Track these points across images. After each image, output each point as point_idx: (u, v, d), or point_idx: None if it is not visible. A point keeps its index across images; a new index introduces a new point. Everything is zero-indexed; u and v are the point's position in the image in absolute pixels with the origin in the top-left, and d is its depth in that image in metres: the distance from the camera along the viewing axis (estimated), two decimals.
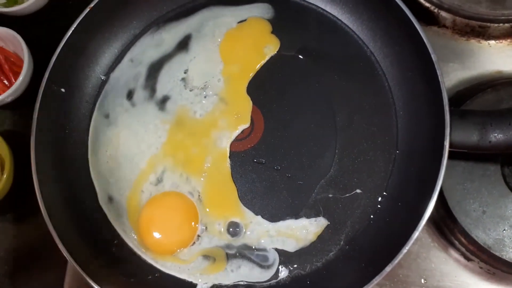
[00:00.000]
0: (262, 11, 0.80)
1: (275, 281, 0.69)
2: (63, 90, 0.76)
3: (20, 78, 0.79)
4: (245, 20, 0.80)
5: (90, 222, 0.72)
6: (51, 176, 0.71)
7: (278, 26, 0.79)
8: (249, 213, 0.71)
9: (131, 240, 0.72)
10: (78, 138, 0.77)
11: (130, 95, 0.78)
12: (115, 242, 0.72)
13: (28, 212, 0.80)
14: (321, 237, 0.69)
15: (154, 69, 0.79)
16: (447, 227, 0.71)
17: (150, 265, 0.70)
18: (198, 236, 0.70)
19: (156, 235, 0.70)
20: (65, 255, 0.64)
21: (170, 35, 0.81)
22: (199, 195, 0.72)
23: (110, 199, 0.74)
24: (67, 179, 0.74)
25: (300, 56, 0.78)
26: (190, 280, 0.69)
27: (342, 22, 0.79)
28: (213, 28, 0.80)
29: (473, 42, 0.81)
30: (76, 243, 0.67)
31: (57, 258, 0.76)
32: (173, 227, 0.71)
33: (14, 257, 0.78)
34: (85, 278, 0.63)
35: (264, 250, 0.69)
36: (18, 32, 0.82)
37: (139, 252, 0.71)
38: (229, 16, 0.81)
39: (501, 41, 0.80)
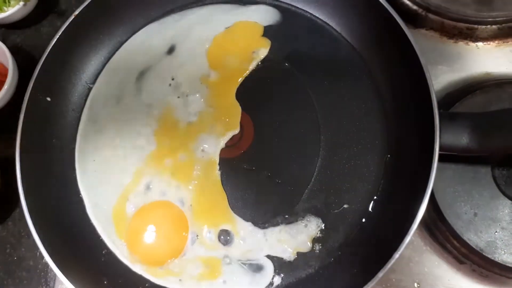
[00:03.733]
0: (265, 16, 0.80)
1: None
2: (48, 99, 0.75)
3: (5, 87, 0.78)
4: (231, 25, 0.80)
5: (78, 232, 0.71)
6: (37, 186, 0.70)
7: (266, 31, 0.79)
8: (239, 220, 0.70)
9: (120, 250, 0.71)
10: (65, 146, 0.76)
11: (117, 102, 0.78)
12: (103, 252, 0.71)
13: (15, 222, 0.79)
14: (313, 243, 0.68)
15: (142, 76, 0.78)
16: (439, 230, 0.71)
17: (140, 275, 0.69)
18: (188, 245, 0.69)
19: (146, 246, 0.69)
20: (52, 266, 0.63)
21: (157, 41, 0.80)
22: (188, 203, 0.71)
23: (98, 208, 0.73)
24: (54, 189, 0.73)
25: (289, 61, 0.77)
26: None
27: (330, 26, 0.79)
28: (201, 33, 0.79)
29: (461, 44, 0.81)
30: (63, 253, 0.66)
31: (45, 269, 0.76)
32: (163, 237, 0.70)
33: (1, 268, 0.77)
34: None
35: (257, 258, 0.68)
36: (2, 41, 0.81)
37: (128, 263, 0.70)
38: (217, 20, 0.80)
39: (488, 43, 0.80)
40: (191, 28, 0.80)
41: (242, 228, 0.69)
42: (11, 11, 0.83)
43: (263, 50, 0.78)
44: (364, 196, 0.70)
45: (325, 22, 0.79)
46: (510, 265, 0.66)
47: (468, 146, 0.62)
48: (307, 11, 0.80)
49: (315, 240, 0.69)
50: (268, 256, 0.68)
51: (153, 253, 0.70)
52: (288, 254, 0.68)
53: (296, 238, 0.69)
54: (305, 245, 0.68)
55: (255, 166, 0.72)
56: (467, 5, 0.78)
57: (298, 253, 0.68)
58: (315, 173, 0.71)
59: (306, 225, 0.69)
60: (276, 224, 0.70)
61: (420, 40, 0.73)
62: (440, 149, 0.62)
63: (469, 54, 0.80)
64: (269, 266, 0.68)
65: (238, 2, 0.82)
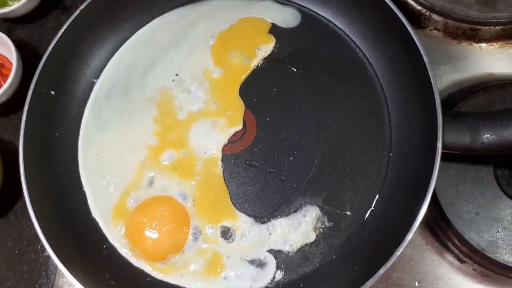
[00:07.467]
0: (271, 13, 0.80)
1: (270, 285, 0.68)
2: (52, 92, 0.75)
3: (9, 80, 0.78)
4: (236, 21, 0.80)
5: (80, 226, 0.71)
6: (40, 179, 0.70)
7: (271, 29, 0.79)
8: (242, 216, 0.70)
9: (121, 245, 0.71)
10: (68, 141, 0.76)
11: (120, 97, 0.78)
12: (104, 246, 0.70)
13: (16, 216, 0.79)
14: (314, 240, 0.68)
15: (145, 71, 0.78)
16: (440, 229, 0.71)
17: (141, 270, 0.69)
18: (190, 241, 0.69)
19: (147, 241, 0.69)
20: (53, 259, 0.63)
21: (162, 37, 0.80)
22: (190, 199, 0.71)
23: (100, 202, 0.72)
24: (56, 183, 0.72)
25: (293, 59, 0.78)
26: (182, 285, 0.68)
27: (334, 24, 0.79)
28: (205, 30, 0.79)
29: (465, 45, 0.81)
30: (64, 247, 0.66)
31: (46, 262, 0.76)
32: (164, 232, 0.69)
33: (2, 261, 0.77)
34: (74, 282, 0.62)
35: (259, 253, 0.68)
36: (7, 35, 0.81)
37: (129, 257, 0.70)
38: (222, 17, 0.80)
39: (492, 44, 0.81)
40: (196, 24, 0.80)
41: (244, 224, 0.69)
42: (16, 6, 0.83)
43: (267, 47, 0.78)
44: (366, 194, 0.70)
45: (329, 20, 0.79)
46: (511, 265, 0.66)
47: (471, 145, 0.62)
48: (311, 10, 0.80)
49: (317, 237, 0.69)
50: (271, 251, 0.68)
51: (154, 248, 0.69)
52: (289, 250, 0.68)
53: (298, 234, 0.69)
54: (308, 241, 0.68)
55: (257, 162, 0.73)
56: (471, 6, 0.79)
57: (299, 249, 0.68)
58: (317, 170, 0.71)
59: (308, 221, 0.69)
60: (277, 220, 0.70)
61: (424, 40, 0.73)
62: (443, 147, 0.62)
63: (472, 55, 0.80)
64: (271, 262, 0.68)
65: None
